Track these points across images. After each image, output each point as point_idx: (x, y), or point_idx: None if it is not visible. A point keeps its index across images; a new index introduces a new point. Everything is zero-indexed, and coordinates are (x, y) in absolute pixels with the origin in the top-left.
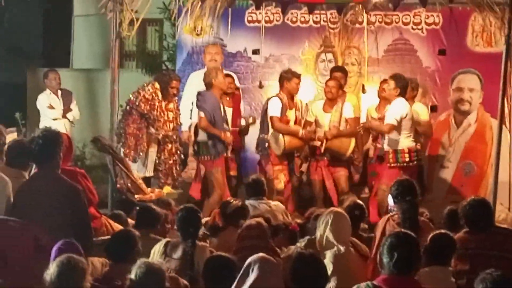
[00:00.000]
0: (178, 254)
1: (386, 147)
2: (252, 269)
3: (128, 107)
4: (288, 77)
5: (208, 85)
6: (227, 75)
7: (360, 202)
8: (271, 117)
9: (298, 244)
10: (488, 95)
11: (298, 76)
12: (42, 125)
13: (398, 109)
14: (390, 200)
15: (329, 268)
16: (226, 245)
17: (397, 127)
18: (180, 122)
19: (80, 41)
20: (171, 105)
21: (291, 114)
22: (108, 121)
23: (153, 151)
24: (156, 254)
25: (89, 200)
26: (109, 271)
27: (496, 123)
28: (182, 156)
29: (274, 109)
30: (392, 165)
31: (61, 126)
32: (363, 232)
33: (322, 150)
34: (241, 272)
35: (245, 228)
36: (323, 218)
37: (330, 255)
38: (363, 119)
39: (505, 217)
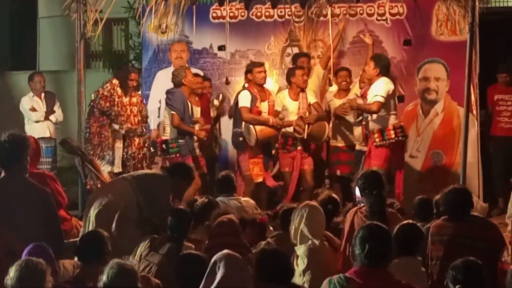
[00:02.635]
0: (164, 250)
1: (371, 127)
2: (218, 267)
3: (90, 107)
4: (249, 69)
5: (177, 84)
6: (196, 75)
7: (335, 196)
8: (240, 108)
9: (268, 240)
10: (454, 83)
11: (259, 65)
12: (26, 128)
13: (382, 87)
14: (357, 192)
15: (304, 262)
16: (201, 244)
17: (384, 105)
18: (146, 116)
19: (46, 43)
20: (134, 99)
21: (264, 106)
22: (76, 122)
23: (119, 146)
24: (141, 247)
25: (59, 203)
26: (80, 272)
27: (463, 111)
28: (152, 149)
29: (243, 101)
30: (379, 143)
31: (44, 128)
32: (336, 225)
33: (305, 136)
34: (208, 270)
35: (216, 226)
36: (298, 211)
37: (304, 249)
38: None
39: (475, 205)
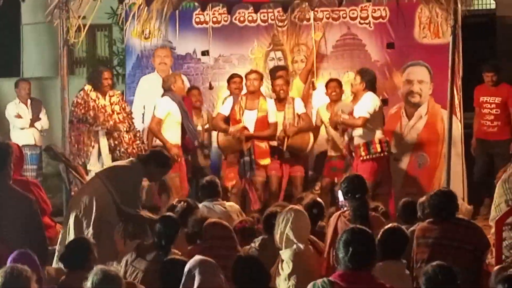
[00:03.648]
0: (150, 256)
1: (356, 141)
2: (194, 275)
3: (69, 118)
4: (228, 80)
5: (167, 89)
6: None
7: (319, 200)
8: (217, 114)
9: (252, 244)
10: (438, 86)
11: (235, 76)
12: (11, 134)
13: (368, 102)
14: (341, 196)
15: (289, 266)
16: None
17: (370, 120)
18: (130, 111)
19: (29, 50)
20: (114, 99)
21: (250, 115)
22: (60, 129)
23: (103, 145)
24: (127, 254)
25: (43, 210)
26: (65, 279)
27: (446, 114)
28: (145, 141)
29: (223, 107)
30: (365, 157)
31: (29, 135)
32: (321, 229)
33: (285, 148)
34: (183, 279)
35: (210, 228)
36: (283, 216)
37: (290, 253)
38: (313, 119)
39: (460, 207)
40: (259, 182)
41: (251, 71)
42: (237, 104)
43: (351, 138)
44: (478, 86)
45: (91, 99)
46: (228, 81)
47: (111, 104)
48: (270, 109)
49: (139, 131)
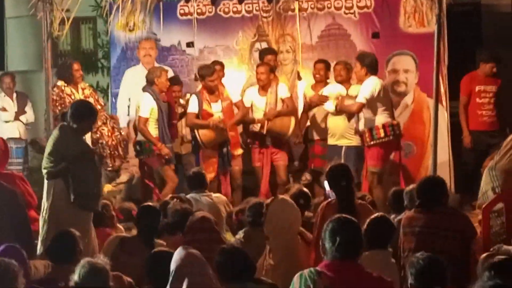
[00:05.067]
0: (134, 248)
1: (361, 127)
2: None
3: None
4: (201, 75)
5: (150, 81)
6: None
7: (306, 190)
8: (187, 114)
9: (237, 236)
10: (424, 75)
11: (211, 73)
12: None
13: (367, 88)
14: (327, 186)
15: (277, 256)
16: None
17: (371, 106)
18: (104, 103)
19: (13, 43)
20: (86, 91)
21: (216, 107)
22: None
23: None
24: (109, 248)
25: (28, 203)
26: (51, 273)
27: (432, 103)
28: (122, 132)
29: (190, 106)
30: (370, 143)
31: (14, 129)
32: (307, 220)
33: (265, 132)
34: (171, 280)
35: (196, 221)
36: (273, 206)
37: (279, 244)
38: (300, 103)
39: None
40: (236, 172)
41: (212, 71)
42: (204, 100)
43: (357, 123)
44: (470, 74)
45: (67, 94)
46: (203, 77)
47: (85, 97)
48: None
49: (115, 121)
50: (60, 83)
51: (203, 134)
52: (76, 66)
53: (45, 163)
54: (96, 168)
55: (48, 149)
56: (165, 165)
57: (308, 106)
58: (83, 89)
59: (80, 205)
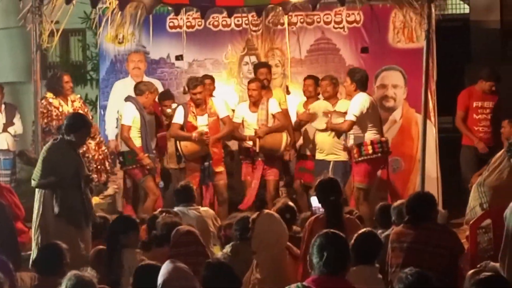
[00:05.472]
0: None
1: (350, 143)
2: None
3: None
4: (188, 86)
5: (139, 92)
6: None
7: (291, 204)
8: (171, 125)
9: (224, 250)
10: (412, 90)
11: (195, 86)
12: None
13: (356, 104)
14: (315, 201)
15: (264, 271)
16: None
17: (360, 122)
18: (91, 116)
19: (2, 54)
20: (76, 104)
21: (202, 120)
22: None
23: None
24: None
25: (16, 215)
26: (37, 285)
27: (421, 118)
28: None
29: (175, 117)
30: (358, 159)
31: (2, 140)
32: (294, 234)
33: (257, 150)
34: None
35: (181, 234)
36: (260, 221)
37: (266, 258)
38: (293, 117)
39: None
40: (221, 186)
41: (194, 84)
42: (190, 112)
43: (345, 139)
44: (468, 90)
45: (54, 107)
46: (189, 89)
47: (74, 109)
48: (220, 107)
49: (101, 136)
50: (48, 94)
51: (185, 146)
52: (66, 78)
53: (35, 172)
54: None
55: (40, 159)
56: (147, 176)
57: (298, 124)
58: (72, 102)
59: (65, 219)
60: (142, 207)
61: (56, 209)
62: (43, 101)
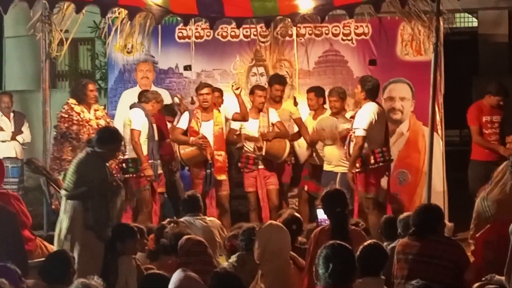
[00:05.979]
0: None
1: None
2: None
3: (54, 134)
4: (196, 88)
5: (145, 100)
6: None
7: (297, 215)
8: (174, 129)
9: (230, 261)
10: (420, 103)
11: (202, 87)
12: None
13: (365, 117)
14: (321, 213)
15: (269, 282)
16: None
17: (367, 134)
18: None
19: (12, 63)
20: (99, 113)
21: (206, 126)
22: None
23: None
24: None
25: (23, 223)
26: None
27: (428, 131)
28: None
29: (180, 122)
30: (359, 169)
31: (11, 148)
32: (300, 245)
33: (264, 153)
34: None
35: (193, 244)
36: (263, 231)
37: (270, 269)
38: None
39: None
40: (224, 197)
41: (202, 86)
42: (194, 117)
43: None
44: (478, 104)
45: (76, 112)
46: (196, 90)
47: (96, 118)
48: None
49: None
50: (71, 100)
51: (183, 151)
52: (91, 86)
53: (66, 183)
54: (113, 200)
55: (71, 171)
56: (146, 188)
57: (311, 143)
58: (95, 110)
59: (95, 232)
60: (137, 220)
61: (90, 221)
62: (65, 106)
